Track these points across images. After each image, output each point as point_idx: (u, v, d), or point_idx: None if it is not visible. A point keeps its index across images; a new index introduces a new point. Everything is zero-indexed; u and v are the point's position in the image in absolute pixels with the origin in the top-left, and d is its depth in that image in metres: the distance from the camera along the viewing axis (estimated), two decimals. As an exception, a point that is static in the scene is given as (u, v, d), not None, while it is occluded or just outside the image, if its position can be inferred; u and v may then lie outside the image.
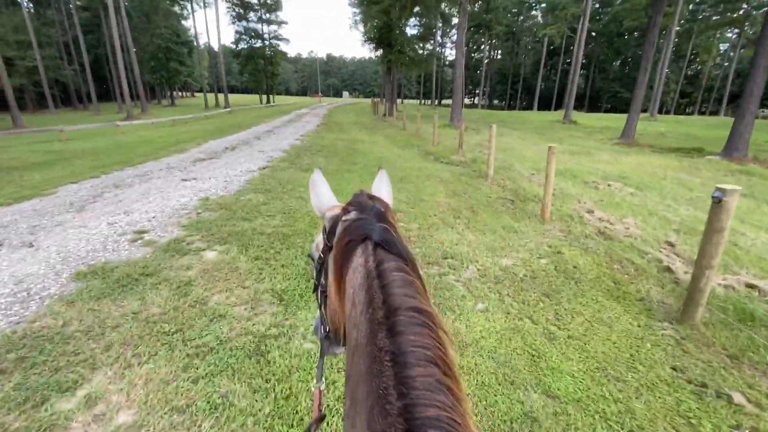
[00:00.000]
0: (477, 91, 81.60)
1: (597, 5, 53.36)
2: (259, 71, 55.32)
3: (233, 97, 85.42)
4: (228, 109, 37.45)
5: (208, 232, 4.55)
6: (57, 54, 43.69)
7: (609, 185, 7.83)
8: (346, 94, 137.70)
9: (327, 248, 0.78)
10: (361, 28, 29.94)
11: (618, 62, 64.78)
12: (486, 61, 70.65)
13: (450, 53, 79.17)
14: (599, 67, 66.39)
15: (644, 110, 58.73)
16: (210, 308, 2.93)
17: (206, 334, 2.61)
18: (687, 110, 64.01)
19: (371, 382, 0.45)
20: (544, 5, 55.70)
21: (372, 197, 0.80)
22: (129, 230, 4.59)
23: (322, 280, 0.87)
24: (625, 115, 44.24)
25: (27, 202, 5.84)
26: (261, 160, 9.30)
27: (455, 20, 64.71)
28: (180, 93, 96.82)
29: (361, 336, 0.52)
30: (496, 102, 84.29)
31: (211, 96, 59.49)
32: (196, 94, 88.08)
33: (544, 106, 68.01)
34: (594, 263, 4.44)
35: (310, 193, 0.95)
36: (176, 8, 52.53)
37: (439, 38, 59.67)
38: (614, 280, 4.08)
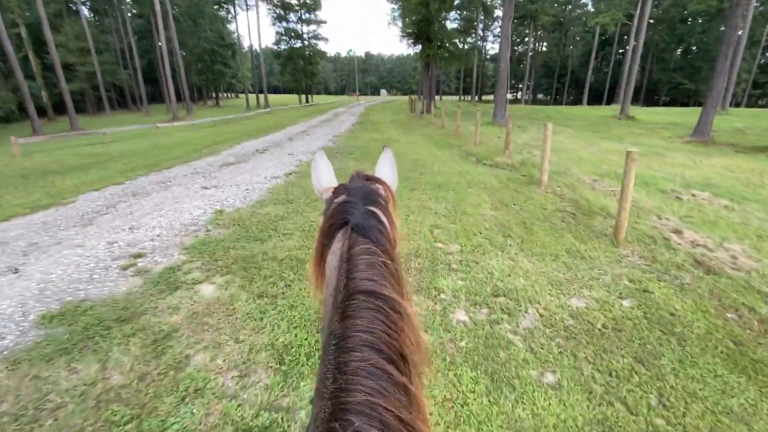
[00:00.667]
0: (520, 86, 77.99)
1: (657, -11, 48.83)
2: (298, 71, 55.96)
3: (274, 97, 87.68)
4: (268, 110, 38.00)
5: (211, 257, 3.92)
6: (113, 59, 46.56)
7: (694, 195, 6.46)
8: (383, 92, 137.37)
9: None
10: (399, 23, 29.05)
11: (680, 51, 59.14)
12: (530, 54, 67.19)
13: (492, 47, 76.18)
14: (657, 57, 60.96)
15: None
16: (186, 376, 2.22)
17: (170, 425, 1.90)
18: (759, 102, 57.22)
19: (321, 366, 0.46)
20: (596, -9, 51.84)
21: (369, 177, 0.80)
22: (126, 253, 4.06)
23: None
24: (688, 109, 40.22)
25: (41, 213, 5.57)
26: (289, 165, 8.73)
27: (498, 12, 62.14)
28: (225, 94, 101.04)
29: (325, 320, 0.53)
30: (540, 96, 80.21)
31: (252, 97, 61.08)
32: (240, 95, 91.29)
33: (595, 100, 63.60)
34: (698, 309, 3.33)
35: (312, 174, 0.93)
36: (221, 12, 54.33)
37: (480, 32, 57.38)
38: (733, 338, 2.97)
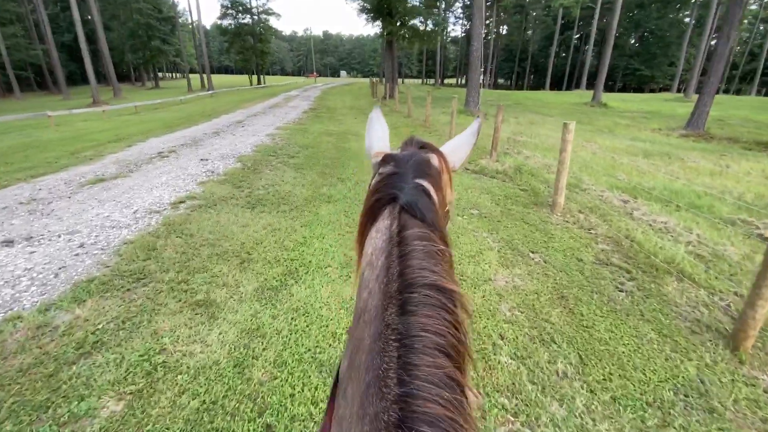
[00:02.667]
0: (482, 70, 76.78)
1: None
2: (248, 49, 50.99)
3: (222, 78, 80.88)
4: (210, 92, 33.68)
5: None
6: (23, 33, 39.54)
7: (774, 227, 4.54)
8: (343, 73, 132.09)
9: None
10: (356, 1, 25.94)
11: (636, 37, 59.96)
12: (492, 37, 65.71)
13: (453, 28, 74.10)
14: (614, 43, 61.57)
15: (665, 89, 54.64)
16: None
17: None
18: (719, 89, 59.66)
19: (373, 357, 0.41)
20: (558, -27, 50.67)
21: (423, 144, 0.71)
22: None
23: None
24: (651, 95, 40.18)
25: None
26: (191, 182, 5.73)
27: (460, -9, 59.68)
28: (171, 74, 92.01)
29: (372, 303, 0.47)
30: (501, 81, 79.56)
31: (196, 77, 55.36)
32: (191, 76, 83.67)
33: (555, 85, 63.61)
34: None
35: (366, 133, 0.83)
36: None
37: (442, 11, 54.84)
38: None
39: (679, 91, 46.71)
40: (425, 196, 0.57)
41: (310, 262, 3.45)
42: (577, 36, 63.70)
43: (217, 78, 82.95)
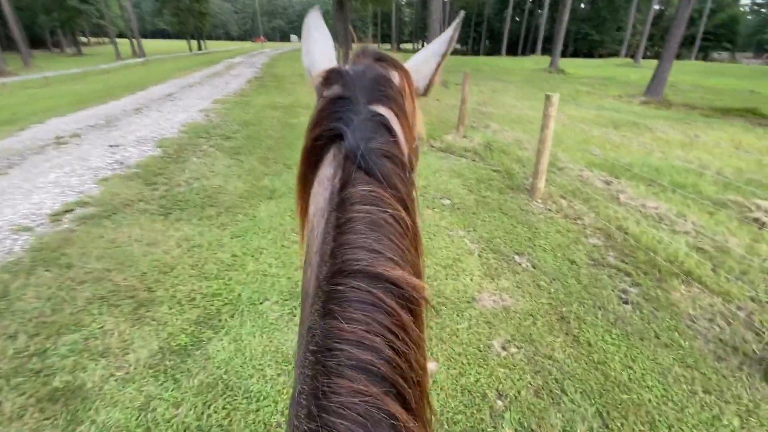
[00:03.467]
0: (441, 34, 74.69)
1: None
2: (183, 10, 45.78)
3: (157, 44, 72.99)
4: (142, 60, 29.93)
5: None
6: None
7: None
8: (294, 38, 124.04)
9: None
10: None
11: (587, 1, 60.44)
12: (445, 1, 63.56)
13: (408, -10, 70.94)
14: (563, 6, 61.79)
15: (613, 54, 56.03)
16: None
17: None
18: (647, 54, 62.00)
19: (296, 364, 0.34)
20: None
21: (381, 57, 0.55)
22: None
23: None
24: (603, 61, 40.93)
25: None
26: (89, 179, 4.31)
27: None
28: (96, 39, 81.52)
29: (309, 288, 0.38)
30: (458, 46, 78.07)
31: (126, 43, 49.39)
32: (119, 41, 74.63)
33: (510, 50, 63.32)
34: None
35: (302, 47, 0.63)
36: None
37: (396, -30, 51.80)
38: None
39: (626, 56, 47.98)
40: (383, 130, 0.44)
41: (239, 296, 2.56)
42: (532, 0, 63.17)
43: (151, 43, 74.76)
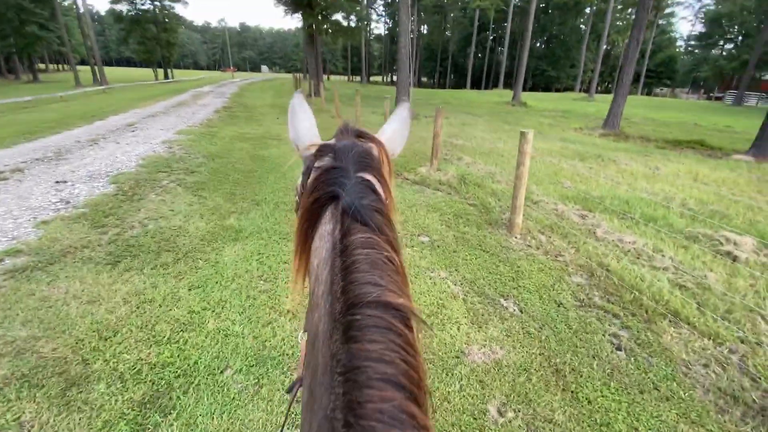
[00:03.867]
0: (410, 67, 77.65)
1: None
2: (150, 39, 45.22)
3: (121, 72, 71.33)
4: (103, 87, 28.93)
5: None
6: None
7: (736, 244, 4.27)
8: (265, 68, 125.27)
9: (303, 194, 0.64)
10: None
11: (543, 40, 65.17)
12: (412, 37, 66.68)
13: (376, 26, 73.96)
14: (522, 44, 66.28)
15: (568, 88, 60.13)
16: None
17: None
18: (599, 89, 67.08)
19: (323, 393, 0.37)
20: (473, -24, 52.77)
21: (361, 134, 0.66)
22: None
23: None
24: (559, 95, 43.71)
25: None
26: (26, 221, 3.77)
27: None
28: (58, 66, 78.61)
29: (321, 327, 0.42)
30: (425, 79, 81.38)
31: (87, 70, 47.90)
32: (80, 68, 72.33)
33: (474, 84, 66.59)
34: None
35: (288, 124, 0.75)
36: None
37: (364, 7, 54.03)
38: None
39: (580, 90, 51.55)
40: (370, 191, 0.52)
41: (195, 364, 2.19)
42: (492, 37, 67.33)
43: (115, 71, 73.04)
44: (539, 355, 2.60)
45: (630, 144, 10.78)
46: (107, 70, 57.07)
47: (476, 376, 2.38)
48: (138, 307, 2.64)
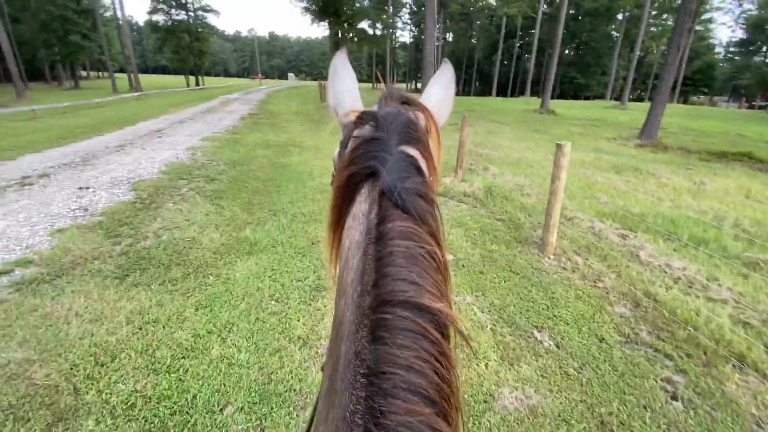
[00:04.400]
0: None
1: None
2: (183, 48, 47.02)
3: (155, 79, 74.42)
4: (137, 94, 30.12)
5: None
6: None
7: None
8: (292, 76, 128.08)
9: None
10: (302, 1, 24.16)
11: (572, 47, 63.66)
12: (437, 44, 66.53)
13: (401, 34, 74.31)
14: (551, 52, 64.88)
15: (599, 96, 58.32)
16: None
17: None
18: (631, 96, 64.60)
19: (344, 389, 0.35)
20: (500, -17, 52.27)
21: (407, 99, 0.60)
22: None
23: None
24: (590, 103, 42.37)
25: None
26: (42, 230, 3.70)
27: (407, -3, 59.68)
28: (99, 74, 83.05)
29: (347, 316, 0.40)
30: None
31: (124, 77, 50.28)
32: (119, 75, 76.20)
33: (500, 92, 65.65)
34: None
35: (328, 87, 0.67)
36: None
37: (390, 16, 54.34)
38: None
39: (611, 98, 49.84)
40: (414, 170, 0.47)
41: (194, 398, 1.99)
42: (519, 44, 66.35)
43: (150, 78, 76.31)
44: (580, 402, 2.26)
45: (669, 156, 10.11)
46: (143, 77, 59.63)
47: (508, 426, 2.07)
48: (141, 329, 2.47)
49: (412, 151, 0.49)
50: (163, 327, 2.52)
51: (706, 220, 5.04)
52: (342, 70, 0.68)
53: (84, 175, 5.96)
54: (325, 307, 2.88)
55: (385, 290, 0.37)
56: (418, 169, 0.48)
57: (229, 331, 2.55)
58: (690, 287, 3.48)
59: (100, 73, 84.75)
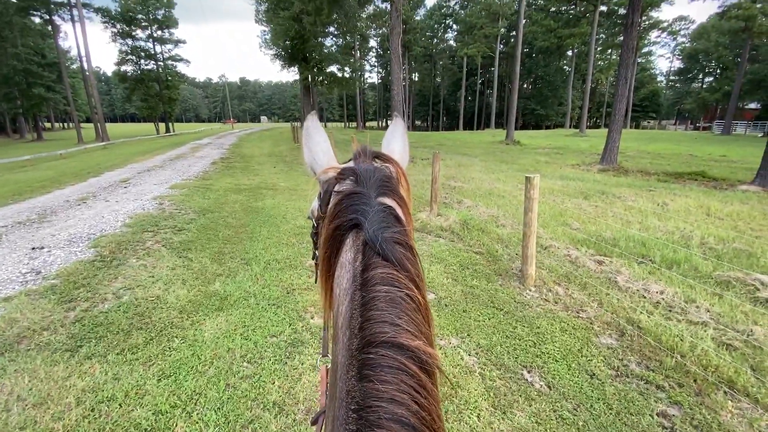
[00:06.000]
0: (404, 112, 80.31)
1: (504, 29, 54.80)
2: (152, 96, 47.04)
3: (123, 127, 73.76)
4: (104, 143, 29.47)
5: None
6: None
7: (768, 284, 3.88)
8: (264, 119, 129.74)
9: (321, 217, 0.66)
10: (272, 49, 24.93)
11: (529, 82, 67.98)
12: (404, 84, 69.60)
13: (369, 75, 77.41)
14: (511, 87, 68.93)
15: (558, 125, 61.81)
16: None
17: None
18: (588, 123, 68.79)
19: (338, 425, 0.38)
20: (459, 26, 56.12)
21: (378, 155, 0.69)
22: None
23: (317, 252, 0.79)
24: (549, 132, 44.83)
25: None
26: None
27: (372, 42, 62.83)
28: (64, 125, 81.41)
29: (339, 359, 0.43)
30: (418, 123, 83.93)
31: (90, 127, 49.43)
32: (85, 125, 74.74)
33: (466, 125, 68.54)
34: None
35: (302, 146, 0.74)
36: (41, 23, 42.64)
37: (357, 59, 56.79)
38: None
39: (570, 126, 52.88)
40: (393, 219, 0.52)
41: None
42: (481, 81, 70.30)
43: (119, 127, 75.45)
44: (580, 450, 2.13)
45: (631, 178, 10.62)
46: (111, 126, 58.83)
47: (507, 487, 1.90)
48: (93, 410, 2.19)
49: (390, 202, 0.55)
50: (120, 405, 2.24)
51: (675, 240, 5.21)
52: (315, 132, 0.73)
53: (39, 233, 5.58)
54: (302, 365, 2.68)
55: (369, 332, 0.40)
56: (397, 218, 0.52)
57: (195, 404, 2.30)
58: (670, 311, 3.49)
59: (66, 124, 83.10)
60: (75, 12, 36.36)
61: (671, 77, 72.01)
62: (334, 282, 0.52)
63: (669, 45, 64.30)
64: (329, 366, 0.81)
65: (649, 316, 3.36)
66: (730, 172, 11.28)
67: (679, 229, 5.69)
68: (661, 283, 3.97)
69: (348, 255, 0.50)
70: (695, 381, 2.65)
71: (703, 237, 5.31)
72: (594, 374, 2.74)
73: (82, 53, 37.39)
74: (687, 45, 59.09)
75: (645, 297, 3.74)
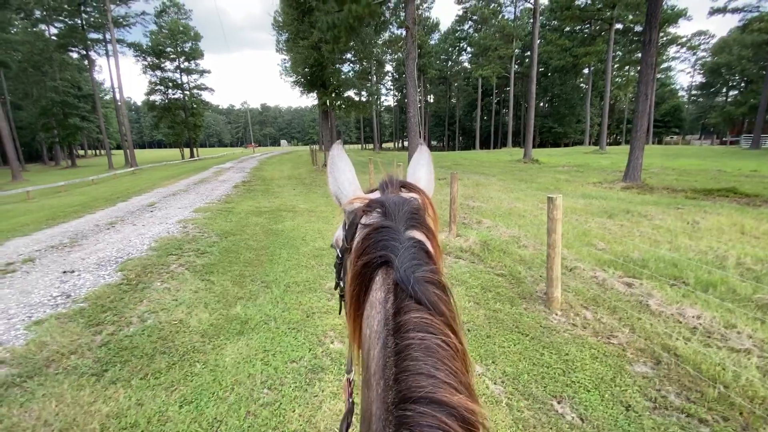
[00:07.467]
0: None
1: (518, 50, 55.32)
2: (178, 123, 49.19)
3: (150, 153, 76.94)
4: (132, 169, 30.80)
5: None
6: None
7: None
8: (284, 142, 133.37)
9: (346, 249, 0.64)
10: (291, 76, 25.95)
11: (546, 100, 67.87)
12: (420, 106, 70.64)
13: (385, 98, 79.00)
14: (528, 106, 68.92)
15: (577, 143, 61.07)
16: None
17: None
18: (608, 140, 67.69)
19: None
20: (473, 49, 57.00)
21: (404, 184, 0.68)
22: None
23: (341, 283, 0.75)
24: (569, 149, 44.28)
25: None
26: (19, 322, 3.46)
27: (388, 66, 64.42)
28: (96, 152, 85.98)
29: (373, 409, 0.41)
30: (434, 143, 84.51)
31: (120, 153, 51.92)
32: (116, 152, 78.65)
33: (483, 144, 68.56)
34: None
35: (328, 176, 0.73)
36: (78, 57, 45.80)
37: (374, 84, 58.22)
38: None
39: (589, 143, 52.15)
40: (423, 254, 0.50)
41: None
42: (497, 101, 70.66)
43: (146, 153, 78.84)
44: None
45: (657, 196, 10.29)
46: (140, 152, 61.61)
47: None
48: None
49: (419, 235, 0.53)
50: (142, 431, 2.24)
51: (708, 261, 4.97)
52: (339, 160, 0.73)
53: (71, 257, 5.79)
54: (322, 392, 2.63)
55: (405, 386, 0.38)
56: (427, 253, 0.51)
57: (216, 431, 2.28)
58: (709, 337, 3.29)
59: (98, 151, 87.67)
60: (109, 47, 38.88)
61: (693, 92, 70.62)
62: (363, 321, 0.51)
63: (689, 60, 63.49)
64: (353, 378, 0.79)
65: (686, 343, 3.17)
66: (763, 188, 10.79)
67: (712, 249, 5.43)
68: (697, 306, 3.76)
69: (378, 294, 0.48)
70: (741, 414, 2.46)
71: (740, 257, 5.05)
72: (630, 406, 2.58)
73: (115, 85, 39.69)
74: (708, 59, 58.15)
75: (680, 322, 3.54)
